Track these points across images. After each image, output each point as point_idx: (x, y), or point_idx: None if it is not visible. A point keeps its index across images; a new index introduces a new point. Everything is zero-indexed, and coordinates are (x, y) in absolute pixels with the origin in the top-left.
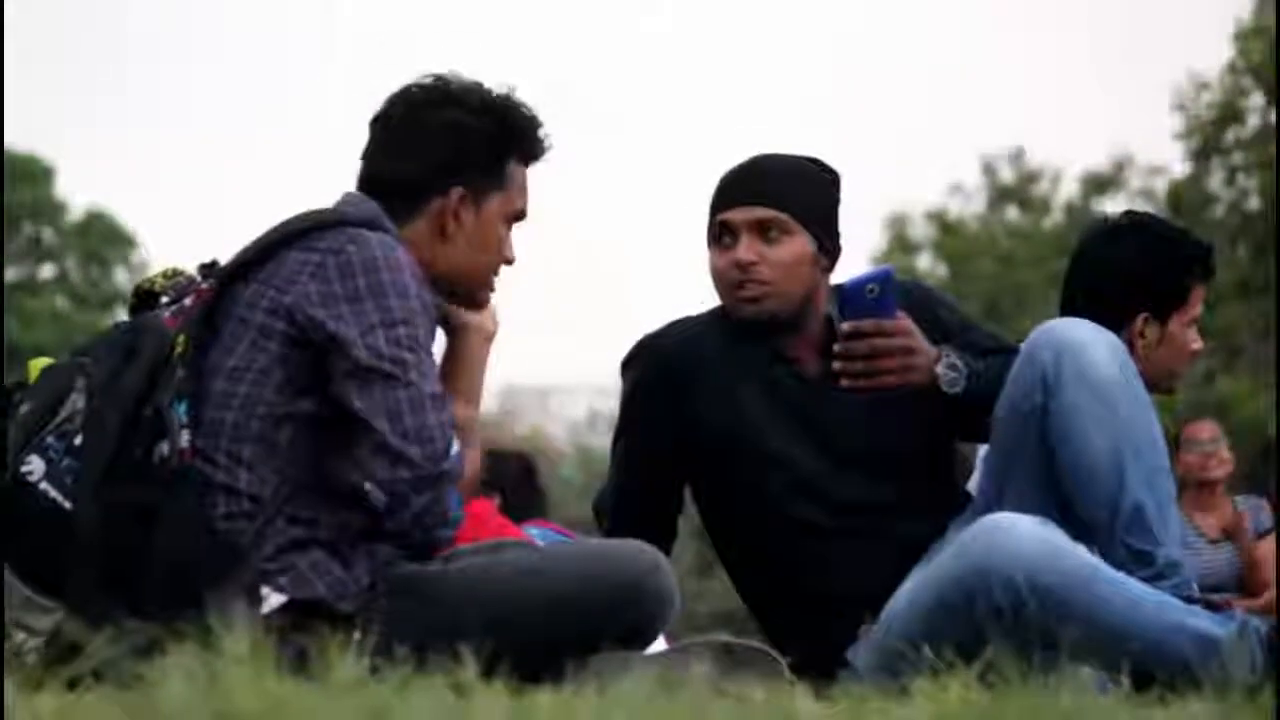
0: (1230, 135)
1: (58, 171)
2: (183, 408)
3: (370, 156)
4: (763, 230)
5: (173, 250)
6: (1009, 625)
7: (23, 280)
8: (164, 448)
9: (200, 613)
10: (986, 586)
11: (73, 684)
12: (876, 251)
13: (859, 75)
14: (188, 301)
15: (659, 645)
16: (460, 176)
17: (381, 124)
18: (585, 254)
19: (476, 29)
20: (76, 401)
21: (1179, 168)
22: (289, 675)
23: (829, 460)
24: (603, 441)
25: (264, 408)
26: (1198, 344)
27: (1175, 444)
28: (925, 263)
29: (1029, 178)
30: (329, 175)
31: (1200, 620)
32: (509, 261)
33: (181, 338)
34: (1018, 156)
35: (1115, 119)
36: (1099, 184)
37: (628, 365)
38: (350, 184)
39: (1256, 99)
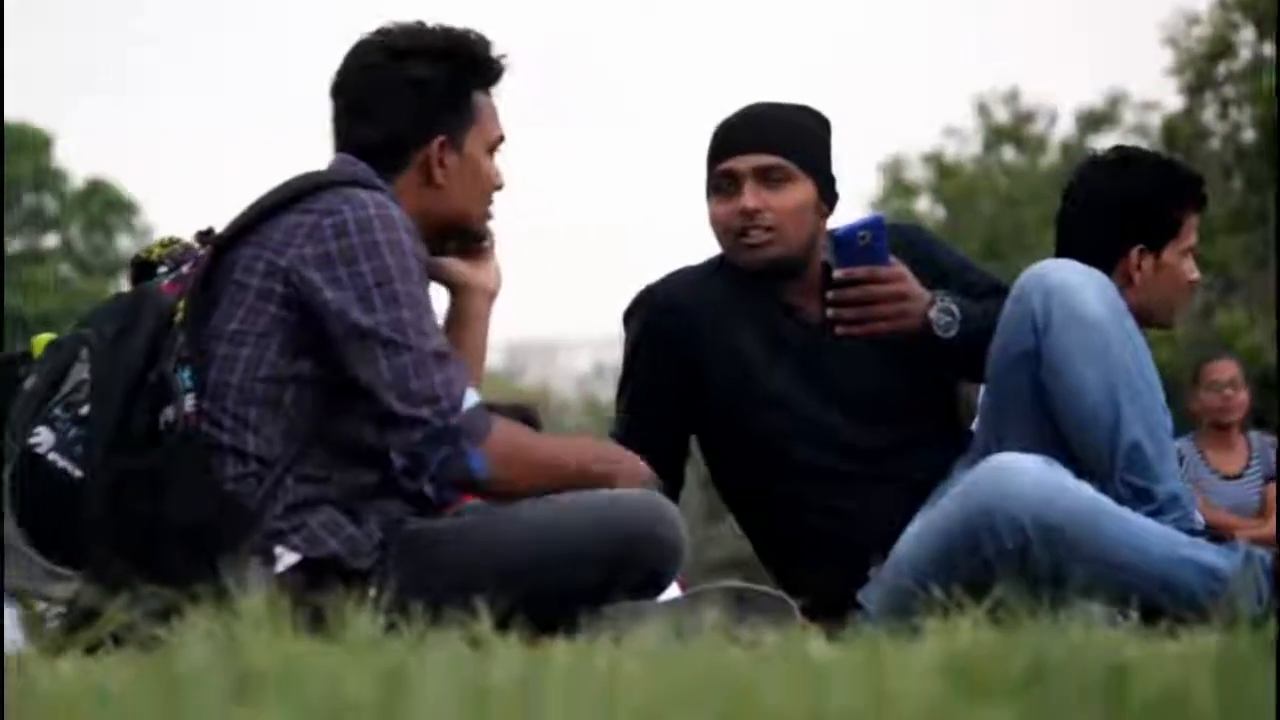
0: (1222, 69)
1: (56, 141)
2: (186, 373)
3: (343, 124)
4: (766, 177)
5: (174, 216)
6: (1016, 564)
7: (26, 250)
8: (169, 413)
9: (215, 574)
10: (993, 526)
11: (92, 649)
12: (874, 196)
13: (852, 21)
14: (186, 269)
15: (671, 592)
16: (434, 125)
17: (344, 92)
18: (587, 209)
19: None
20: (80, 372)
21: (1172, 102)
22: (305, 634)
23: (832, 404)
24: (609, 393)
25: (267, 369)
26: (1195, 275)
27: (1194, 379)
28: (924, 205)
29: (1024, 117)
30: (327, 141)
31: (1205, 553)
32: (499, 188)
33: (181, 304)
34: (1012, 97)
35: (1108, 56)
36: (1094, 121)
37: (630, 315)
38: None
39: (1247, 33)
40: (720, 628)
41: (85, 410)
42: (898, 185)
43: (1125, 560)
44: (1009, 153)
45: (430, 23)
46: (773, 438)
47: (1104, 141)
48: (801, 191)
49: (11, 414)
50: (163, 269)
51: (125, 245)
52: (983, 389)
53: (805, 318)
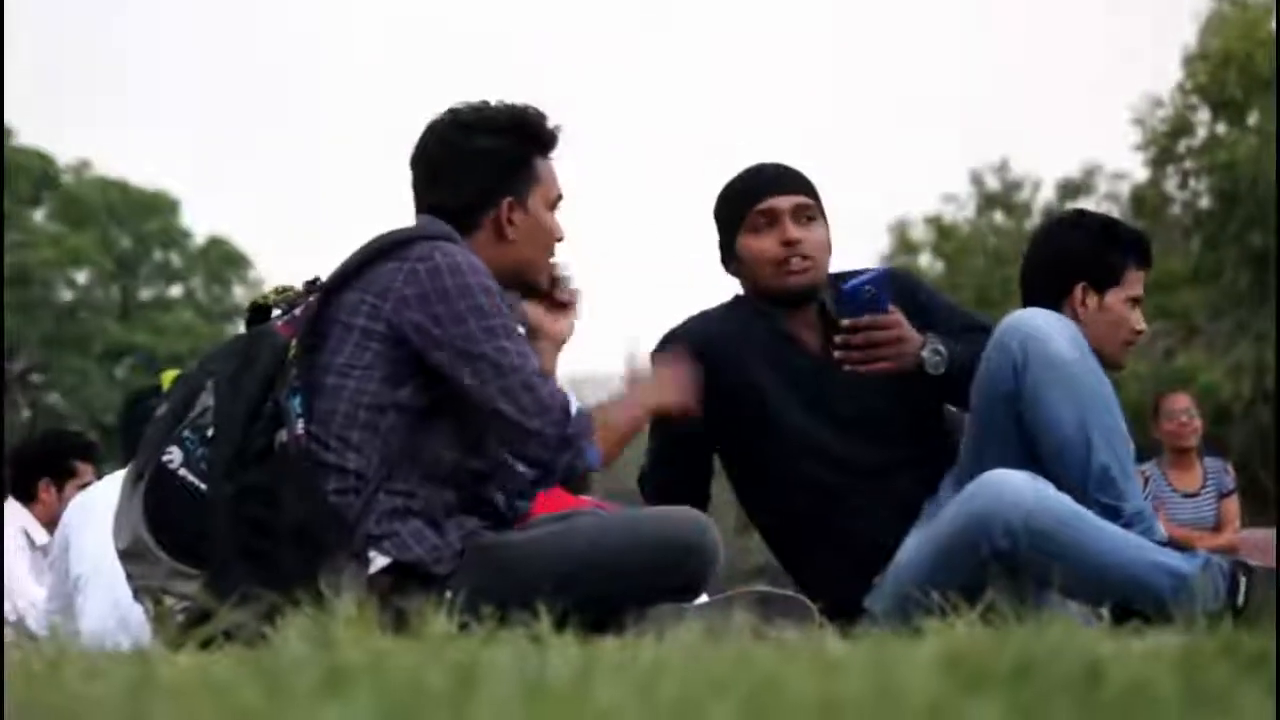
0: (1182, 145)
1: (182, 204)
2: (297, 400)
3: (422, 190)
4: (802, 215)
5: (283, 269)
6: (1008, 565)
7: (155, 299)
8: (282, 435)
9: (318, 575)
10: (989, 532)
11: (208, 643)
12: (884, 252)
13: (862, 101)
14: (297, 312)
15: (705, 597)
16: (502, 189)
17: (422, 163)
18: (643, 257)
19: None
20: (206, 401)
21: (1140, 174)
22: (389, 632)
23: (832, 426)
24: None
25: (368, 398)
26: (1140, 325)
27: (1155, 410)
28: (925, 260)
29: (1012, 186)
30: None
31: (1172, 558)
32: (560, 240)
33: (294, 342)
34: (1002, 168)
35: (1084, 133)
36: (1072, 190)
37: (657, 354)
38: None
39: (1203, 114)
40: (749, 627)
41: (210, 433)
42: (903, 243)
43: (1102, 562)
44: (999, 216)
45: (493, 101)
46: (781, 457)
47: (1081, 206)
48: (824, 229)
49: (146, 436)
50: (277, 312)
51: (240, 294)
52: (966, 414)
53: (806, 349)
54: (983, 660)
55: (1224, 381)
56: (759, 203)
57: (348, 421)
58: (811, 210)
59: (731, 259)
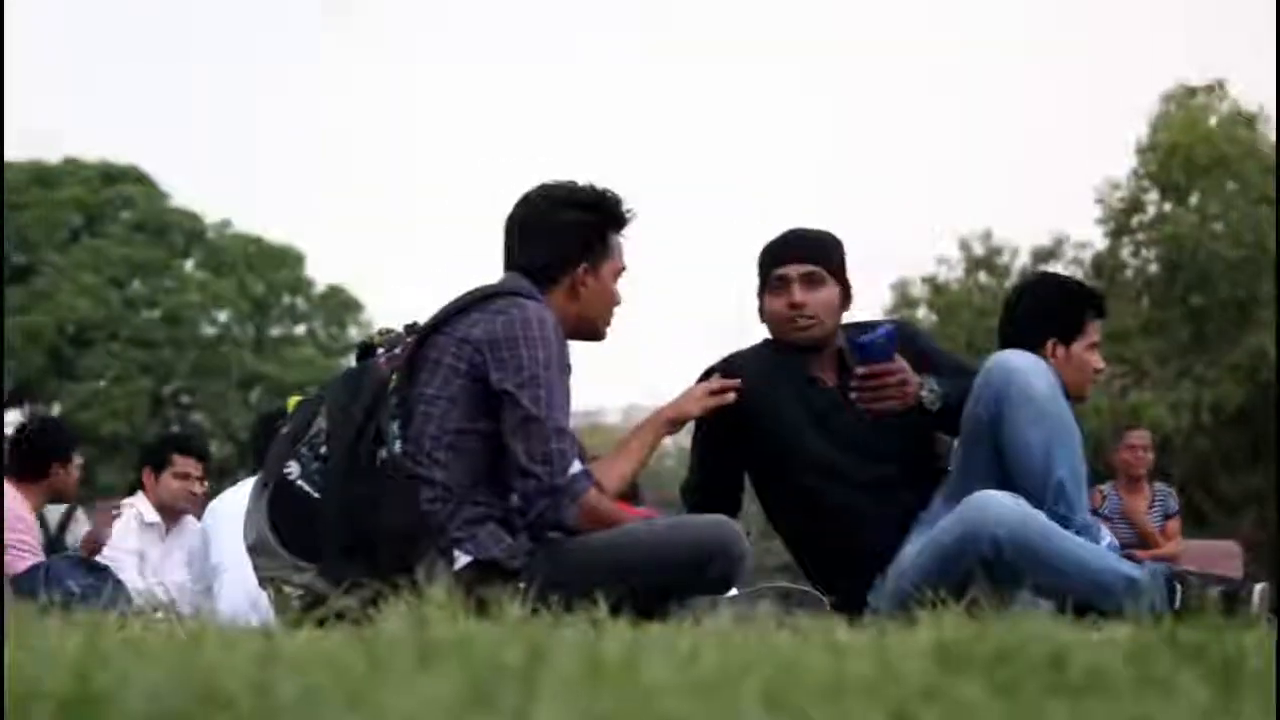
0: (1135, 221)
1: (306, 257)
2: (396, 425)
3: (514, 250)
4: (809, 280)
5: (389, 314)
6: (992, 569)
7: (284, 336)
8: (383, 453)
9: (412, 569)
10: (977, 542)
11: (321, 623)
12: (886, 306)
13: (870, 181)
14: (398, 350)
15: (735, 590)
16: (581, 257)
17: (518, 226)
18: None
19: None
20: (320, 423)
21: (1100, 244)
22: (473, 615)
23: (843, 451)
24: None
25: (453, 424)
26: (1100, 365)
27: (1118, 440)
28: (922, 313)
29: (994, 251)
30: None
31: (1124, 565)
32: (619, 303)
33: (395, 376)
34: (986, 236)
35: (1054, 209)
36: (1043, 255)
37: (699, 381)
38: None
39: (1153, 195)
40: (771, 617)
41: (323, 450)
42: (904, 298)
43: (1069, 568)
44: (983, 276)
45: (581, 181)
46: (799, 476)
47: (1050, 269)
48: (831, 291)
49: (271, 452)
50: (381, 350)
51: (353, 333)
52: (955, 441)
53: (824, 386)
54: (967, 647)
55: (1167, 417)
56: (776, 268)
57: (436, 443)
58: (819, 275)
59: (761, 311)
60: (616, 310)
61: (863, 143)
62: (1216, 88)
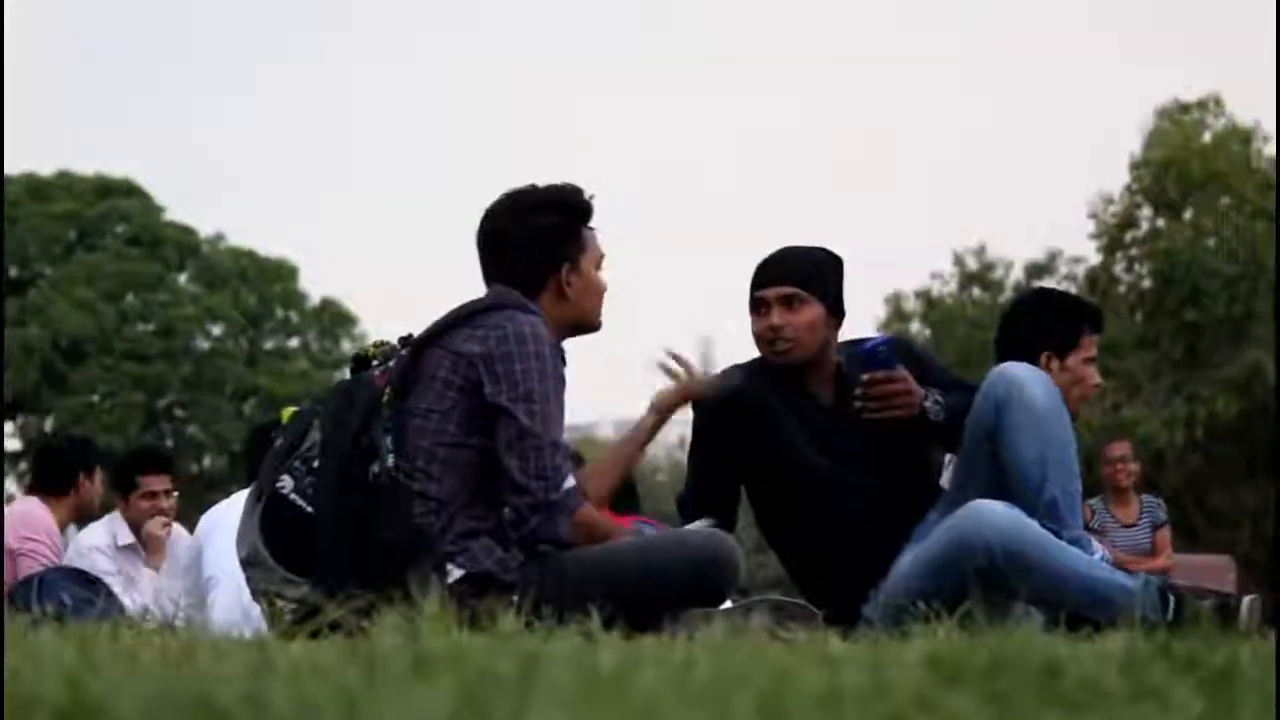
0: (1128, 236)
1: (300, 271)
2: (389, 439)
3: (490, 263)
4: (788, 302)
5: (383, 327)
6: (985, 578)
7: (276, 349)
8: (376, 467)
9: (405, 582)
10: (971, 551)
11: (314, 635)
12: (880, 320)
13: (866, 197)
14: (392, 363)
15: (729, 603)
16: (560, 258)
17: (490, 240)
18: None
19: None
20: (314, 436)
21: (1094, 259)
22: (466, 628)
23: (838, 464)
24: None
25: (446, 438)
26: (1096, 380)
27: (1099, 456)
28: (915, 327)
29: (988, 266)
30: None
31: (1118, 576)
32: (606, 289)
33: (388, 389)
34: (980, 251)
35: (1048, 224)
36: (1038, 270)
37: (696, 402)
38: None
39: (1146, 211)
40: (765, 629)
41: (316, 463)
42: (897, 312)
43: (1063, 577)
44: (977, 291)
45: (540, 184)
46: (795, 487)
47: (1044, 284)
48: (812, 312)
49: (264, 464)
50: (375, 363)
51: (346, 347)
52: (948, 456)
53: (821, 402)
54: (960, 658)
55: (1160, 431)
56: (756, 291)
57: (429, 457)
58: (798, 297)
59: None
60: (606, 298)
61: (857, 156)
62: (1211, 103)
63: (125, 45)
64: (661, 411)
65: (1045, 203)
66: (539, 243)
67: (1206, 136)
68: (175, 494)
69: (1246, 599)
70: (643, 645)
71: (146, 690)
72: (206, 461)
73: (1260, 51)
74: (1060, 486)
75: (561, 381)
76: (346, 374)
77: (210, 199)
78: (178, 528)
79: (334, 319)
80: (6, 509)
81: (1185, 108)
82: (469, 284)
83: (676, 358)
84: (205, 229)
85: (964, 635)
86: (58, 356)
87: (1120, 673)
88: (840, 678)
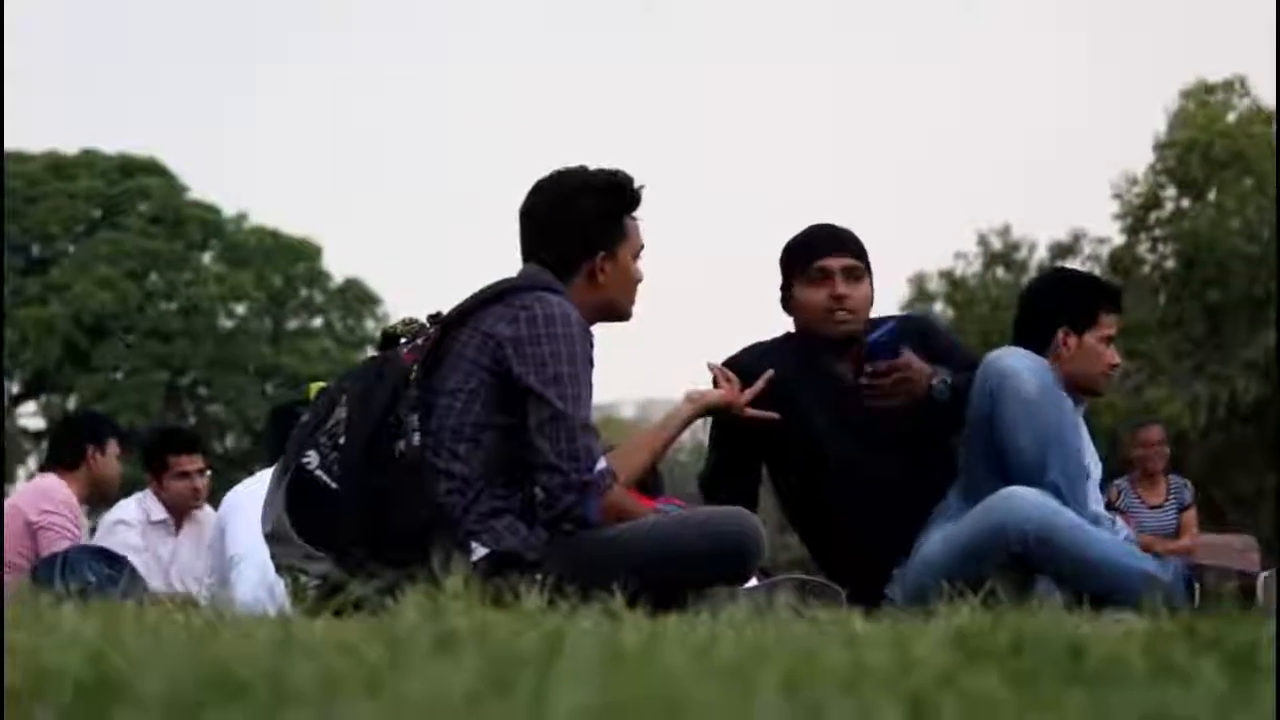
0: (1153, 217)
1: (324, 250)
2: (415, 417)
3: (530, 242)
4: (850, 274)
5: (406, 306)
6: (1018, 563)
7: (300, 329)
8: (401, 445)
9: (428, 560)
10: (1005, 538)
11: (338, 612)
12: (904, 300)
13: (894, 177)
14: (420, 341)
15: (753, 581)
16: (598, 244)
17: (532, 219)
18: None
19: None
20: (340, 413)
21: (1118, 240)
22: (489, 606)
23: (859, 444)
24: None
25: (473, 418)
26: (1115, 359)
27: (1133, 437)
28: (939, 307)
29: (1012, 246)
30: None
31: (1146, 562)
32: (640, 281)
33: (415, 367)
34: (1004, 231)
35: (1072, 204)
36: (1062, 251)
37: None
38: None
39: (1171, 191)
40: (788, 608)
41: (342, 440)
42: (921, 293)
43: (1094, 561)
44: (1001, 271)
45: (591, 167)
46: (818, 467)
47: (1067, 265)
48: (868, 287)
49: (290, 440)
50: (403, 341)
51: (370, 326)
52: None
53: (841, 382)
54: (984, 638)
55: (1183, 413)
56: (816, 260)
57: (455, 436)
58: (859, 270)
59: (790, 303)
60: (640, 289)
61: (882, 137)
62: (1236, 84)
63: (152, 23)
64: (699, 408)
65: (1069, 184)
66: (580, 227)
67: (1231, 117)
68: (208, 472)
69: (1262, 575)
70: (666, 623)
71: (169, 666)
72: (229, 440)
73: None
74: (1060, 471)
75: (590, 363)
76: (370, 353)
77: (234, 177)
78: (208, 508)
79: (358, 299)
80: (26, 484)
81: (1210, 89)
82: (491, 265)
83: (725, 371)
84: (229, 208)
85: (987, 615)
86: (80, 334)
87: (1143, 652)
88: (864, 656)
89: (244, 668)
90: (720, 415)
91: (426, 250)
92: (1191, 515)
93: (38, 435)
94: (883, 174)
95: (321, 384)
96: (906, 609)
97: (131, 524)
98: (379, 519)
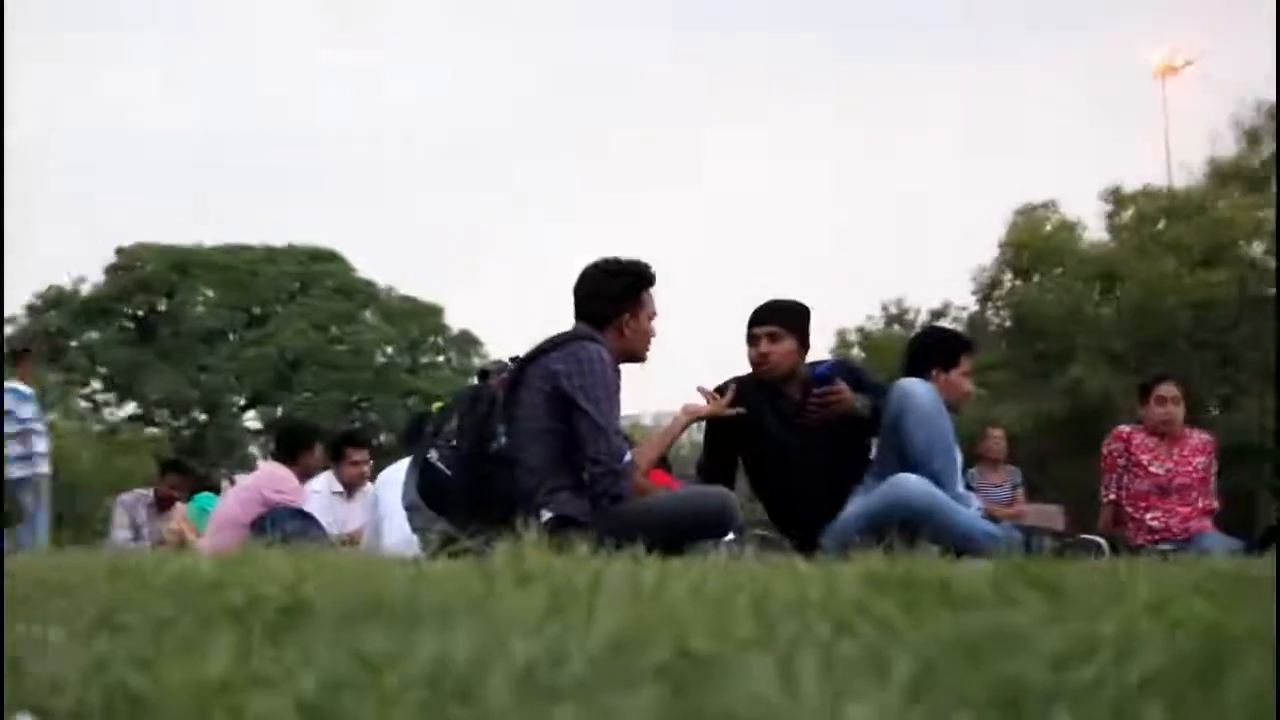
0: (996, 293)
1: (445, 309)
2: (503, 426)
3: (581, 306)
4: (771, 337)
5: (502, 348)
6: (907, 527)
7: (429, 363)
8: (494, 445)
9: (513, 523)
10: (898, 509)
11: (452, 556)
12: (832, 347)
13: (823, 259)
14: (505, 375)
15: (731, 536)
16: (624, 308)
17: (582, 289)
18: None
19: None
20: (453, 423)
21: (973, 307)
22: (554, 553)
23: (802, 444)
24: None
25: (540, 425)
26: (970, 388)
27: (981, 435)
28: (855, 352)
29: (904, 311)
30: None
31: (993, 528)
32: (655, 335)
33: (502, 393)
34: (899, 301)
35: (944, 283)
36: (935, 314)
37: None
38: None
39: (1008, 275)
40: (753, 555)
41: (454, 441)
42: (843, 343)
43: (958, 527)
44: (897, 328)
45: (623, 258)
46: (773, 458)
47: (939, 325)
48: (788, 344)
49: (421, 441)
50: (493, 374)
51: (476, 362)
52: (874, 439)
53: (791, 402)
54: (885, 576)
55: (1016, 422)
56: (750, 328)
57: (529, 439)
58: (778, 333)
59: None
60: (654, 341)
61: (814, 230)
62: (1051, 205)
63: (329, 141)
64: (691, 418)
65: (940, 270)
66: (611, 297)
67: (1048, 227)
68: (371, 462)
69: (1101, 542)
70: (672, 566)
71: (339, 592)
72: (381, 439)
73: (1085, 164)
74: (942, 462)
75: (617, 389)
76: (475, 380)
77: (388, 260)
78: (369, 484)
79: (467, 342)
80: (260, 469)
81: (1034, 207)
82: (558, 321)
83: (710, 391)
84: (383, 281)
85: (887, 560)
86: (285, 366)
87: (990, 586)
88: (805, 589)
89: (389, 594)
90: (708, 421)
91: (517, 309)
92: (1021, 493)
93: (256, 432)
94: (818, 255)
95: (441, 403)
96: (834, 555)
97: (320, 493)
98: (480, 495)
